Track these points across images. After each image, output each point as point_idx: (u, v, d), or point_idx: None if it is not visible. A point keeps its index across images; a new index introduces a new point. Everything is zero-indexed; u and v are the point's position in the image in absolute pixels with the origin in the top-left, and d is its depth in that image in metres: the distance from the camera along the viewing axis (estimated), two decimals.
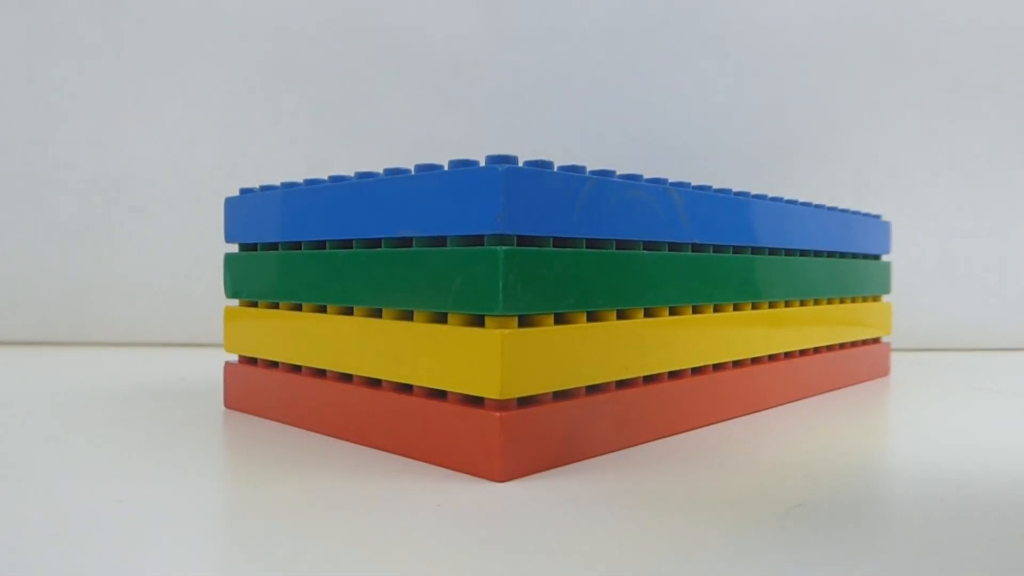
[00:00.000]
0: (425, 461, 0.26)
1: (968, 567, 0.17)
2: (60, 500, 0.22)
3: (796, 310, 0.38)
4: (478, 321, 0.25)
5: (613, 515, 0.21)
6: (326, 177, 0.30)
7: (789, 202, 0.37)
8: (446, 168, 0.25)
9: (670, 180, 0.30)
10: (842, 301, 0.43)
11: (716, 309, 0.33)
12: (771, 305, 0.36)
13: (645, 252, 0.29)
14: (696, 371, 0.32)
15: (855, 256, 0.44)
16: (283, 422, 0.32)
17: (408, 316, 0.27)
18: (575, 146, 0.63)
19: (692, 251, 0.31)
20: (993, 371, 0.51)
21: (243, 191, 0.34)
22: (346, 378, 0.29)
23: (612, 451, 0.27)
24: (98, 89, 0.63)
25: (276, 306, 0.33)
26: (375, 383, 0.28)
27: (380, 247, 0.28)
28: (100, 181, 0.64)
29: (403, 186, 0.27)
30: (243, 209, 0.34)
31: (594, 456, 0.27)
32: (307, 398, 0.30)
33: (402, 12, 0.63)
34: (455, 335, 0.25)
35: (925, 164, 0.65)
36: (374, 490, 0.23)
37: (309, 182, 0.31)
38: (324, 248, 0.30)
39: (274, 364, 0.33)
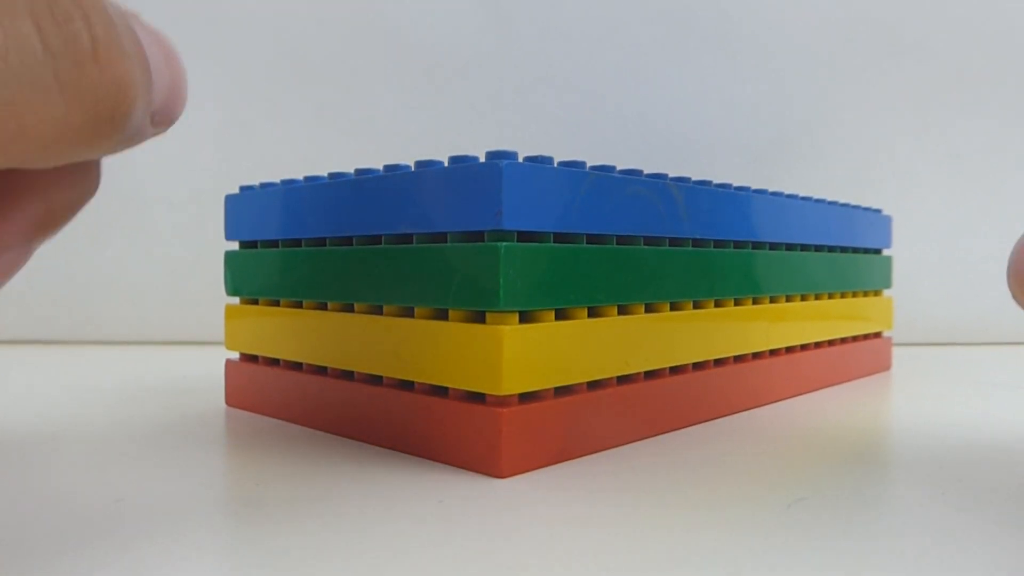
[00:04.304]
0: (427, 458, 0.26)
1: (973, 562, 0.17)
2: (60, 498, 0.21)
3: (797, 305, 0.38)
4: (479, 317, 0.25)
5: (616, 510, 0.21)
6: (325, 174, 0.30)
7: (790, 197, 0.37)
8: (446, 164, 0.25)
9: (670, 175, 0.30)
10: (843, 296, 0.43)
11: (717, 304, 0.33)
12: (772, 300, 0.36)
13: (645, 247, 0.28)
14: (697, 366, 0.32)
15: (856, 250, 0.44)
16: (284, 419, 0.32)
17: (409, 313, 0.27)
18: (575, 141, 0.63)
19: (692, 246, 0.31)
20: (994, 366, 0.51)
21: (243, 188, 0.34)
22: (347, 375, 0.29)
23: (613, 447, 0.27)
24: None
25: (277, 303, 0.33)
26: (376, 380, 0.28)
27: (380, 244, 0.28)
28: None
29: (403, 182, 0.26)
30: (243, 206, 0.34)
31: (595, 452, 0.27)
32: (308, 395, 0.30)
33: (402, 9, 0.63)
34: (456, 332, 0.25)
35: (926, 158, 0.65)
36: (375, 487, 0.23)
37: (309, 179, 0.31)
38: (324, 245, 0.30)
39: (275, 362, 0.33)
